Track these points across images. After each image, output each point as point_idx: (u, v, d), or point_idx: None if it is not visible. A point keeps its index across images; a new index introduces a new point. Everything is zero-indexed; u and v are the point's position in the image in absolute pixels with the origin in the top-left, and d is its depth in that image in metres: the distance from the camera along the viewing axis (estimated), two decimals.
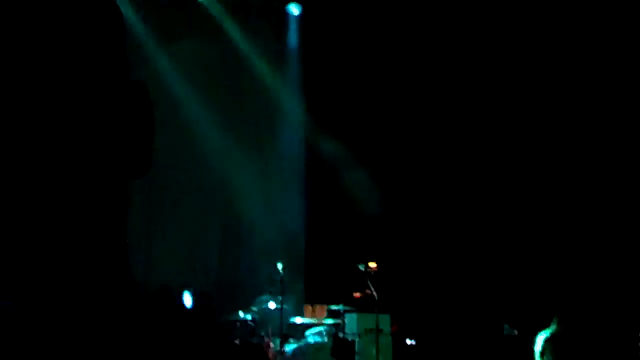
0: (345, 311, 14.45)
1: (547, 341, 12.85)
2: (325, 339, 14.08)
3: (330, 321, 14.30)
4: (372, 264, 14.72)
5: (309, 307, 14.94)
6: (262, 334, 13.81)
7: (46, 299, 0.77)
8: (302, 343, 13.95)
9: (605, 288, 14.38)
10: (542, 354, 13.10)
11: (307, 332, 14.23)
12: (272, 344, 13.58)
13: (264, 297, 14.06)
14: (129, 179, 0.85)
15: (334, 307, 14.50)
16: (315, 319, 14.57)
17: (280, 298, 13.93)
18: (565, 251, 14.92)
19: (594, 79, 14.81)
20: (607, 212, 14.69)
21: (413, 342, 15.35)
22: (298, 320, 14.31)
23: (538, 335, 13.24)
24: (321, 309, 14.78)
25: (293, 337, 14.09)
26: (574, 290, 14.83)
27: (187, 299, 14.01)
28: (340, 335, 14.00)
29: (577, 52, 14.80)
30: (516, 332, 14.71)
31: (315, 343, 13.94)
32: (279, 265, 14.29)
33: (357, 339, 14.12)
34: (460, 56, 15.50)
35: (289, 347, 13.84)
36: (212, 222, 16.03)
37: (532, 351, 13.51)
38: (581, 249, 14.69)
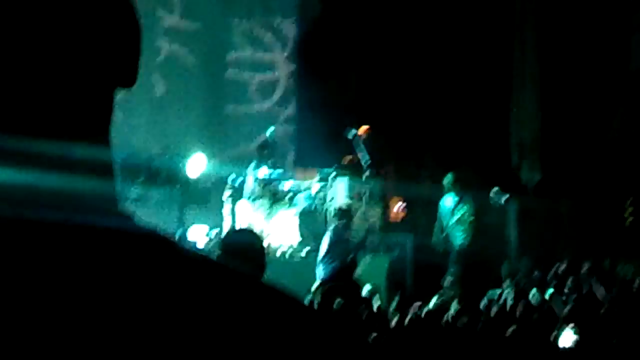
0: (336, 175, 14.47)
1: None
2: (315, 203, 14.15)
3: (320, 185, 14.34)
4: (364, 128, 14.69)
5: (300, 171, 14.99)
6: (252, 198, 13.89)
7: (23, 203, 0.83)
8: (292, 207, 14.04)
9: None
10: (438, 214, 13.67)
11: (297, 196, 14.30)
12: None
13: (256, 161, 14.05)
14: (115, 88, 0.91)
15: (324, 171, 14.50)
16: (305, 182, 14.61)
17: (270, 161, 13.93)
18: None
19: None
20: None
21: (403, 205, 15.47)
22: (288, 184, 14.37)
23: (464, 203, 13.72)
24: (311, 173, 14.81)
25: (283, 201, 14.17)
26: None
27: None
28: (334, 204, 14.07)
29: None
30: (505, 196, 14.85)
31: (306, 207, 14.02)
32: (270, 129, 14.26)
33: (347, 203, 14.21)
34: None
35: (279, 210, 13.95)
36: (200, 82, 15.89)
37: None
38: None
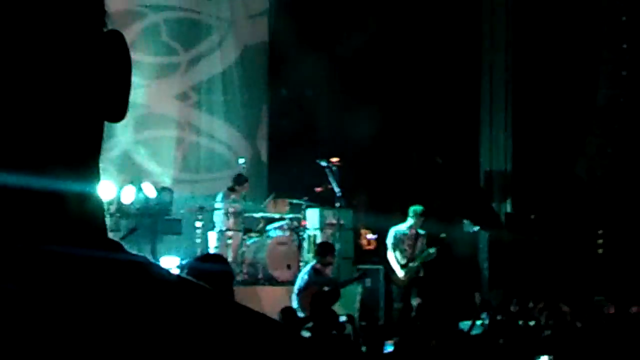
0: (307, 206, 14.50)
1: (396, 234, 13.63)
2: (287, 233, 14.14)
3: (291, 215, 14.35)
4: (334, 159, 14.74)
5: (271, 202, 15.00)
6: (224, 228, 13.85)
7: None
8: (263, 237, 14.01)
9: None
10: (394, 245, 13.81)
11: (269, 227, 14.28)
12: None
13: (227, 192, 14.03)
14: (105, 121, 0.92)
15: (295, 201, 14.52)
16: (277, 213, 14.60)
17: (243, 193, 13.93)
18: None
19: None
20: None
21: (374, 237, 15.49)
22: (260, 214, 14.35)
23: (390, 229, 13.82)
24: (283, 203, 14.80)
25: (255, 231, 14.14)
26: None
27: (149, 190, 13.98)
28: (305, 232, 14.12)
29: None
30: (477, 228, 14.92)
31: (277, 237, 14.00)
32: (241, 160, 14.27)
33: (318, 234, 14.23)
34: None
35: (251, 241, 13.91)
36: (171, 115, 15.86)
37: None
38: None
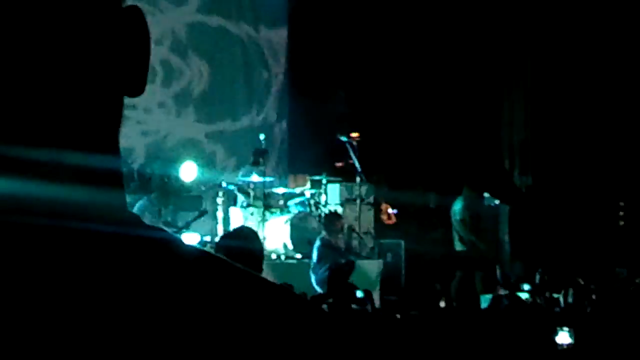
0: (328, 181, 14.50)
1: (465, 208, 13.02)
2: (308, 209, 14.16)
3: (312, 191, 14.37)
4: (355, 134, 14.73)
5: (292, 177, 15.01)
6: (245, 204, 13.89)
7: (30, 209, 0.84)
8: (284, 213, 14.04)
9: None
10: (464, 222, 13.18)
11: (290, 202, 14.30)
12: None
13: (248, 168, 14.06)
14: (124, 96, 0.93)
15: (316, 177, 14.53)
16: (297, 188, 14.63)
17: (263, 168, 13.95)
18: None
19: None
20: None
21: (395, 212, 15.47)
22: (280, 190, 14.37)
23: (453, 205, 13.21)
24: (303, 179, 14.83)
25: (276, 207, 14.17)
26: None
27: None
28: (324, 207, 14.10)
29: None
30: (497, 201, 14.87)
31: (299, 213, 14.03)
32: (261, 136, 14.28)
33: (340, 209, 14.23)
34: None
35: (272, 216, 13.94)
36: (192, 95, 15.88)
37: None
38: None
